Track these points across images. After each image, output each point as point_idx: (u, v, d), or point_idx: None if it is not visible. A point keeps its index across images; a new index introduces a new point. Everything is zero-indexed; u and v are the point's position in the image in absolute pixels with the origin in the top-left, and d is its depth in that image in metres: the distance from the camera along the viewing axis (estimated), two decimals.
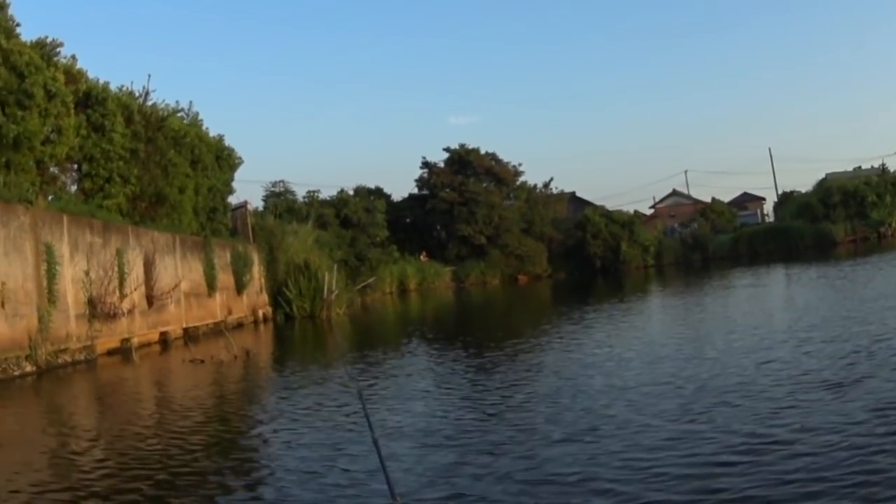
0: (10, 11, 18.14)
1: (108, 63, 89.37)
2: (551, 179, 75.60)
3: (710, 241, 72.49)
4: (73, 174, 22.14)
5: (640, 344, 16.22)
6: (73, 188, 22.00)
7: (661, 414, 9.46)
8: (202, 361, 18.70)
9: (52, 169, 20.17)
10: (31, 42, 19.28)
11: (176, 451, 9.42)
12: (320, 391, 13.56)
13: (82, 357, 18.70)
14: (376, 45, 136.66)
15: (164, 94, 25.08)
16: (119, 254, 21.04)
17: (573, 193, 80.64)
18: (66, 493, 7.70)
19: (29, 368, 16.54)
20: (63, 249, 18.64)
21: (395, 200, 66.63)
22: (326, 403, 12.11)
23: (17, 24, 18.40)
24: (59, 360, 17.76)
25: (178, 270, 24.96)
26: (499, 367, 14.87)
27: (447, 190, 65.06)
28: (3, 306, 16.22)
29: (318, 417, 11.07)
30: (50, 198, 19.56)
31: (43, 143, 19.07)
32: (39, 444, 10.50)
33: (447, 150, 67.91)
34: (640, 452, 7.82)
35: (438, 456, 8.38)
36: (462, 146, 67.23)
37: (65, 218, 18.92)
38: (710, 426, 8.64)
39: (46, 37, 19.82)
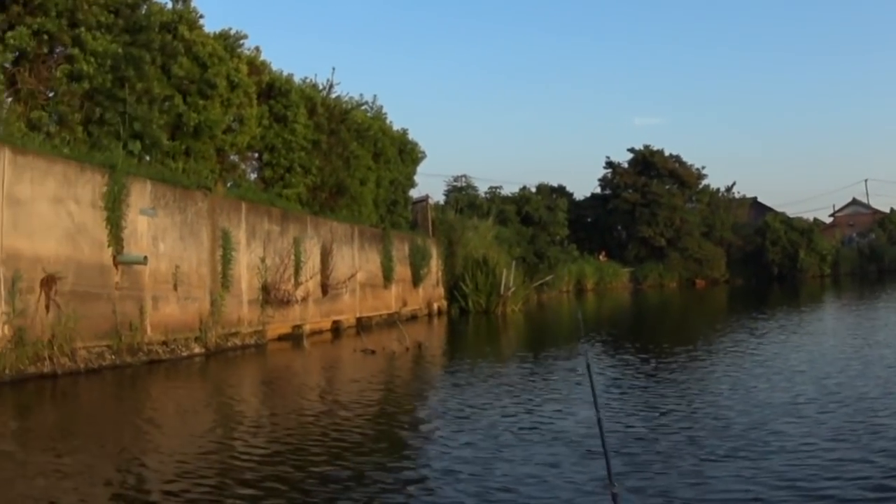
0: (193, 3, 18.02)
1: (293, 56, 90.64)
2: (734, 184, 73.00)
3: (886, 253, 68.73)
4: (254, 163, 21.97)
5: (813, 357, 15.24)
6: (253, 177, 21.81)
7: (829, 433, 8.71)
8: (373, 352, 18.23)
9: (232, 157, 20.01)
10: (215, 34, 19.15)
11: (335, 441, 9.16)
12: (488, 388, 13.04)
13: (252, 341, 18.43)
14: (564, 42, 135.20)
15: (349, 88, 25.16)
16: (296, 242, 20.78)
17: (755, 199, 77.84)
18: (217, 478, 7.50)
19: (198, 350, 16.36)
20: (240, 236, 18.46)
21: (577, 199, 65.46)
22: (493, 402, 11.61)
23: (201, 16, 18.30)
24: (229, 344, 17.52)
25: (356, 261, 24.59)
26: (669, 374, 14.23)
27: (630, 191, 63.68)
28: (175, 289, 16.10)
29: (483, 416, 10.55)
30: (229, 185, 19.39)
31: (224, 132, 18.92)
32: (200, 424, 10.47)
33: (631, 150, 66.57)
34: (805, 472, 7.22)
35: (599, 465, 7.57)
36: (646, 147, 65.69)
37: (243, 205, 18.75)
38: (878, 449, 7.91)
39: (230, 29, 19.70)
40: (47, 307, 13.01)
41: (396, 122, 38.42)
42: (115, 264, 14.59)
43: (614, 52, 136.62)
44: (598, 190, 67.70)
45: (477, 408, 11.14)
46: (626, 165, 66.14)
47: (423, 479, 7.55)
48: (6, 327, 12.18)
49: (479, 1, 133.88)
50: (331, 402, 12.09)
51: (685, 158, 67.08)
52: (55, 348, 12.90)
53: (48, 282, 13.07)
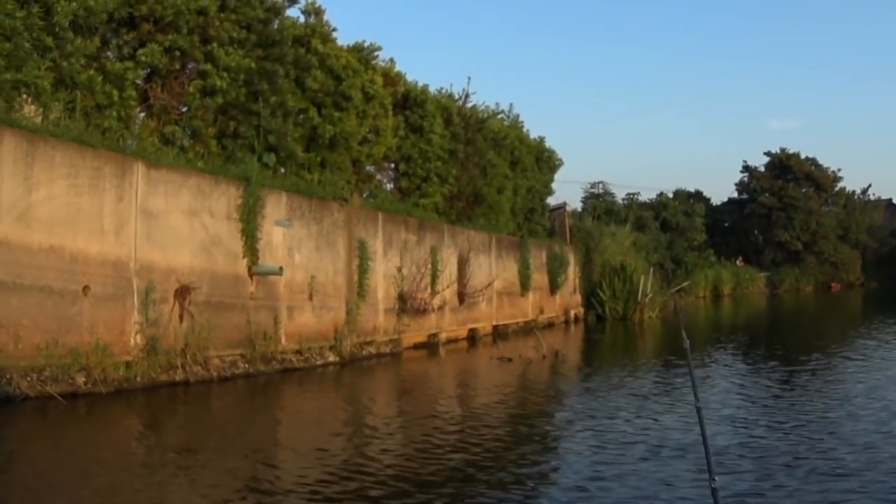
0: (326, 17, 17.48)
1: (427, 66, 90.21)
2: (869, 186, 69.68)
3: None
4: (390, 173, 21.31)
5: None
6: (390, 187, 21.14)
7: None
8: (509, 359, 17.55)
9: (368, 168, 19.37)
10: (349, 46, 18.57)
11: (469, 449, 8.93)
12: (623, 398, 12.56)
13: (388, 350, 17.74)
14: (698, 44, 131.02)
15: (485, 97, 24.45)
16: (433, 251, 19.98)
17: (889, 200, 73.77)
18: (353, 482, 7.44)
19: (332, 358, 15.73)
20: (377, 245, 17.78)
21: (714, 204, 63.26)
22: (627, 412, 11.17)
23: (334, 29, 17.76)
24: (364, 352, 16.88)
25: (493, 269, 23.67)
26: (800, 383, 13.93)
27: (766, 195, 61.20)
28: (310, 299, 15.53)
29: (616, 426, 10.14)
30: (366, 196, 18.77)
31: (360, 144, 18.31)
32: (334, 428, 10.43)
33: (768, 154, 64.07)
34: None
35: (730, 481, 7.27)
36: (782, 150, 63.14)
37: (380, 215, 18.08)
38: None
39: (364, 41, 19.07)
40: (181, 317, 12.65)
41: (533, 129, 37.67)
42: (251, 275, 14.10)
43: (749, 53, 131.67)
44: (735, 194, 65.40)
45: (611, 418, 10.73)
46: (762, 169, 63.64)
47: (553, 493, 7.29)
48: (139, 336, 11.86)
49: (609, 5, 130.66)
50: (465, 409, 11.92)
51: (821, 161, 64.16)
52: (188, 357, 12.53)
53: (182, 292, 12.71)
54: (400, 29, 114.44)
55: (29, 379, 10.19)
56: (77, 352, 10.83)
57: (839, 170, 64.92)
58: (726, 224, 63.65)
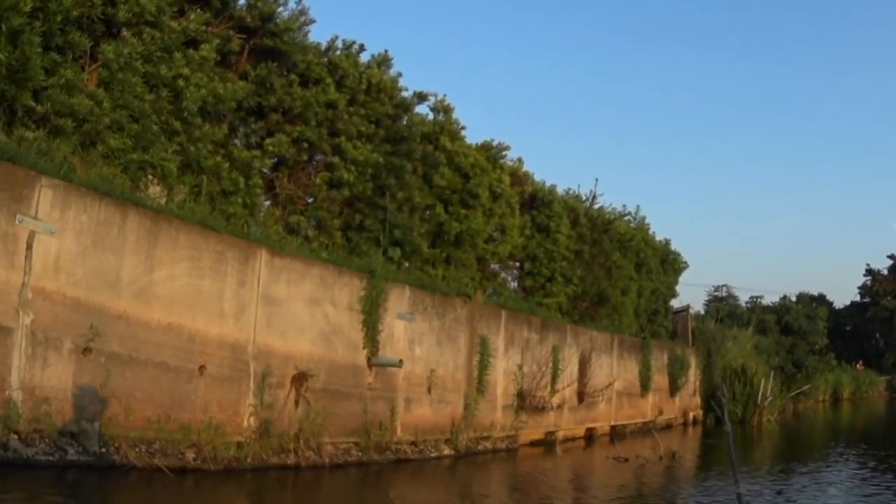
0: (455, 115, 16.84)
1: (555, 167, 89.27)
2: None
3: None
4: (515, 272, 20.37)
5: None
6: (514, 285, 20.18)
7: None
8: (626, 459, 16.38)
9: (493, 266, 18.50)
10: (477, 145, 17.87)
11: None
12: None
13: (504, 446, 16.59)
14: (820, 148, 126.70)
15: (612, 198, 23.64)
16: (555, 350, 18.80)
17: None
18: None
19: (447, 452, 14.68)
20: (498, 343, 16.74)
21: (836, 307, 60.22)
22: None
23: (463, 128, 17.10)
24: (480, 447, 15.77)
25: (614, 369, 22.30)
26: None
27: (889, 298, 58.01)
28: (429, 392, 14.58)
29: None
30: (489, 293, 17.85)
31: (486, 242, 17.53)
32: None
33: (891, 256, 61.05)
34: None
35: None
36: None
37: (503, 313, 17.07)
38: None
39: (492, 140, 18.32)
40: (296, 402, 11.85)
41: (659, 232, 36.36)
42: (370, 366, 13.26)
43: (871, 154, 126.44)
44: (858, 298, 62.43)
45: None
46: (885, 272, 60.55)
47: None
48: (252, 418, 11.11)
49: (724, 113, 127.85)
50: None
51: None
52: (301, 441, 11.69)
53: (299, 378, 11.92)
54: (528, 129, 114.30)
55: (137, 450, 9.56)
56: (188, 428, 10.13)
57: None
58: (848, 328, 60.88)
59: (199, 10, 11.38)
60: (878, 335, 60.91)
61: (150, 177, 10.37)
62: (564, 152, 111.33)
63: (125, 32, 10.30)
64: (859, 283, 62.97)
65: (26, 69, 8.92)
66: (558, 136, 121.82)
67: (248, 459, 10.85)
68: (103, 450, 9.15)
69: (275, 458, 11.26)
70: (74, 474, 8.61)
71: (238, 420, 10.98)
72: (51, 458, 8.59)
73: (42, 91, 9.33)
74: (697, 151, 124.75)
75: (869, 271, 61.57)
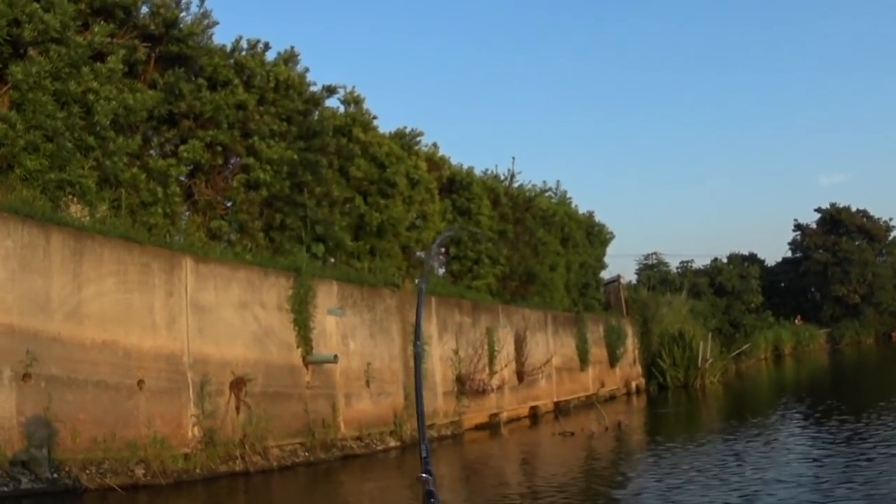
0: (366, 106, 17.40)
1: (471, 149, 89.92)
2: None
3: None
4: (441, 258, 21.01)
5: None
6: (442, 271, 20.84)
7: None
8: (572, 434, 17.21)
9: (418, 253, 19.09)
10: (390, 133, 18.49)
11: None
12: (690, 470, 11.90)
13: (449, 432, 17.31)
14: (736, 108, 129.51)
15: (531, 175, 24.29)
16: (489, 332, 19.58)
17: None
18: None
19: (393, 443, 15.31)
20: (431, 329, 17.41)
21: (768, 265, 62.17)
22: (695, 485, 10.58)
23: (374, 117, 17.72)
24: None
25: (550, 346, 23.19)
26: (861, 439, 13.48)
27: (820, 251, 60.22)
28: (368, 385, 15.19)
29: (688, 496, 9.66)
30: (417, 281, 18.48)
31: (408, 230, 18.11)
32: None
33: (818, 210, 63.22)
34: None
35: None
36: (833, 205, 62.26)
37: (433, 299, 17.74)
38: None
39: (405, 127, 19.00)
40: (237, 408, 12.33)
41: (582, 205, 37.28)
42: (306, 364, 13.80)
43: (794, 109, 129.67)
44: (789, 253, 64.53)
45: (679, 492, 10.12)
46: (814, 226, 62.72)
47: None
48: (196, 428, 11.55)
49: (642, 77, 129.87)
50: (529, 488, 11.53)
51: (872, 212, 63.47)
52: (247, 447, 12.15)
53: (237, 384, 12.39)
54: (440, 114, 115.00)
55: (88, 472, 9.94)
56: (135, 444, 10.54)
57: (891, 219, 64.16)
58: (782, 284, 62.76)
59: (102, 22, 11.72)
60: (812, 289, 62.64)
61: (69, 195, 10.73)
62: (478, 134, 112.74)
63: (32, 52, 10.60)
64: (789, 239, 64.95)
65: None
66: (470, 118, 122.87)
67: (197, 470, 11.26)
68: (55, 475, 9.46)
69: (223, 466, 11.70)
70: (31, 502, 8.92)
71: (182, 432, 11.40)
72: (5, 489, 8.85)
73: None
74: (615, 121, 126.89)
75: (798, 226, 63.42)
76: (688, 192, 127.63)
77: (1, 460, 8.99)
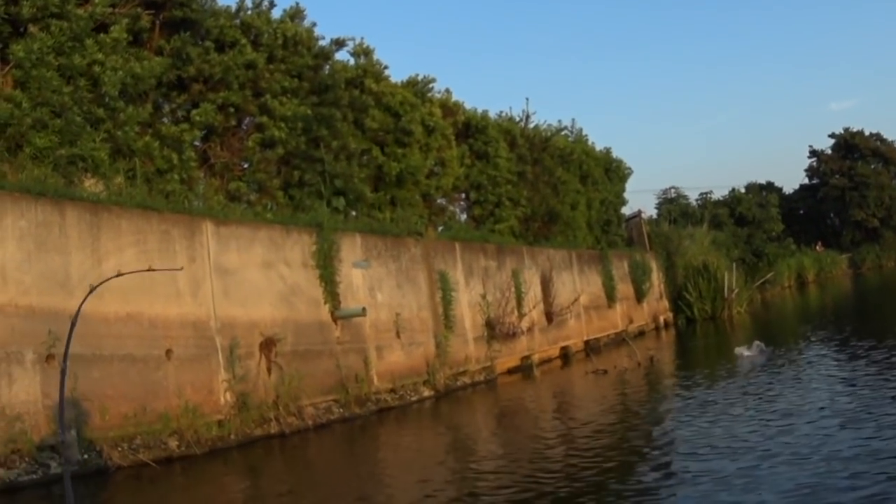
0: (376, 57, 16.91)
1: (484, 94, 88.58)
2: None
3: None
4: (462, 203, 20.57)
5: None
6: (464, 217, 20.38)
7: None
8: (605, 371, 16.86)
9: (439, 200, 18.67)
10: (402, 82, 17.96)
11: (576, 465, 8.42)
12: (725, 401, 11.63)
13: (482, 378, 16.91)
14: (753, 41, 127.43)
15: (546, 115, 23.74)
16: (515, 274, 19.16)
17: None
18: None
19: (427, 393, 14.97)
20: (458, 276, 17.02)
21: (786, 193, 61.26)
22: (730, 416, 10.33)
23: (386, 67, 17.18)
24: (458, 383, 16.09)
25: (577, 285, 22.75)
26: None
27: (837, 176, 59.11)
28: (398, 336, 14.83)
29: (721, 434, 9.23)
30: (440, 228, 18.07)
31: (427, 177, 17.65)
32: (438, 463, 9.92)
33: (832, 135, 61.96)
34: None
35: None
36: (846, 130, 60.95)
37: (457, 245, 17.33)
38: None
39: (417, 75, 18.46)
40: (269, 369, 11.99)
41: (599, 142, 36.56)
42: (334, 320, 13.43)
43: (804, 37, 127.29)
44: (806, 180, 63.48)
45: (713, 425, 9.85)
46: (829, 152, 61.57)
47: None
48: (228, 394, 11.21)
49: (654, 10, 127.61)
50: (567, 428, 11.29)
51: (885, 135, 62.19)
52: (281, 409, 11.83)
53: (267, 345, 12.05)
54: (449, 59, 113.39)
55: (120, 449, 9.61)
56: (167, 416, 10.22)
57: None
58: (801, 211, 61.87)
59: None
60: (832, 214, 61.71)
61: (82, 170, 10.31)
62: (489, 78, 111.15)
63: (32, 28, 10.15)
64: (805, 166, 63.86)
65: None
66: (479, 63, 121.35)
67: (232, 436, 10.93)
68: (86, 456, 9.12)
69: (258, 430, 11.37)
70: (61, 488, 8.56)
71: (214, 398, 11.07)
72: (34, 476, 8.52)
73: None
74: (626, 58, 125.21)
75: (813, 153, 62.25)
76: (703, 124, 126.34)
77: (28, 447, 8.65)
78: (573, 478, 7.85)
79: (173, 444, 10.24)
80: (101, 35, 11.03)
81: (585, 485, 7.56)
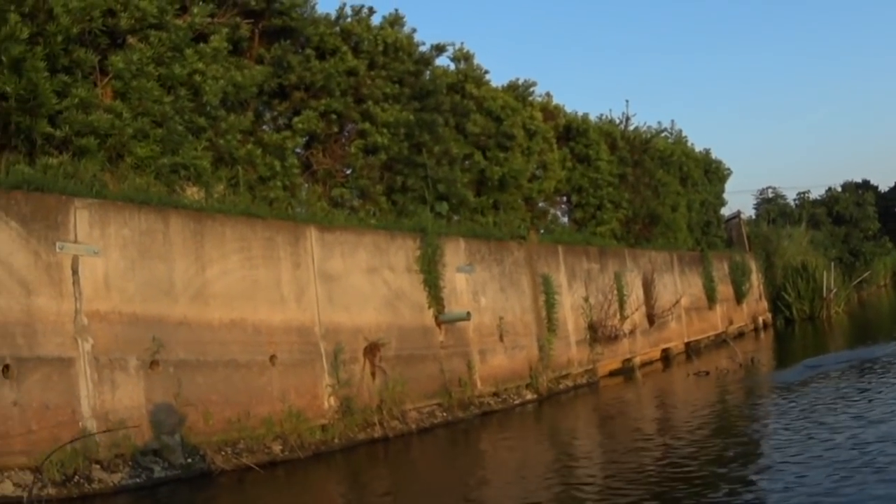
0: (476, 62, 16.14)
1: (583, 97, 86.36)
2: None
3: None
4: (563, 206, 19.69)
5: None
6: (565, 220, 19.49)
7: None
8: (706, 373, 15.93)
9: (540, 204, 17.85)
10: (503, 86, 17.15)
11: (677, 466, 8.02)
12: (828, 401, 10.94)
13: (584, 381, 16.04)
14: (842, 32, 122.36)
15: (645, 117, 22.74)
16: (617, 277, 18.15)
17: None
18: None
19: (529, 396, 14.15)
20: (561, 279, 16.13)
21: (881, 191, 58.24)
22: (834, 417, 9.63)
23: (486, 72, 16.37)
24: (561, 386, 15.23)
25: (678, 286, 21.59)
26: None
27: None
28: (501, 340, 14.04)
29: (826, 436, 8.54)
30: (542, 232, 17.23)
31: (529, 181, 16.88)
32: (541, 465, 9.38)
33: None
34: None
35: None
36: None
37: (560, 248, 16.43)
38: None
39: (518, 79, 17.58)
40: (373, 374, 11.37)
41: (698, 142, 35.14)
42: (438, 324, 12.73)
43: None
44: None
45: (818, 426, 9.20)
46: None
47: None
48: (332, 398, 10.61)
49: (752, 10, 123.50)
50: (671, 429, 10.81)
51: None
52: (384, 413, 11.21)
53: (371, 349, 11.42)
54: (549, 62, 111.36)
55: (223, 453, 9.13)
56: (270, 421, 9.67)
57: None
58: None
59: (201, 3, 10.73)
60: None
61: (184, 178, 9.82)
62: (589, 80, 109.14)
63: (131, 40, 9.70)
64: None
65: (36, 96, 8.37)
66: (579, 64, 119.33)
67: (335, 440, 10.39)
68: (189, 460, 8.70)
69: (361, 434, 10.80)
70: (165, 491, 8.20)
71: (318, 403, 10.51)
72: (137, 480, 8.18)
73: (57, 115, 8.80)
74: (721, 57, 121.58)
75: None
76: (797, 122, 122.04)
77: (131, 452, 8.24)
78: (668, 482, 7.40)
79: (277, 448, 9.72)
80: (201, 45, 10.51)
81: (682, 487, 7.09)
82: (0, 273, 7.49)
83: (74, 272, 8.07)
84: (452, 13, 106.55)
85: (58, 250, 7.95)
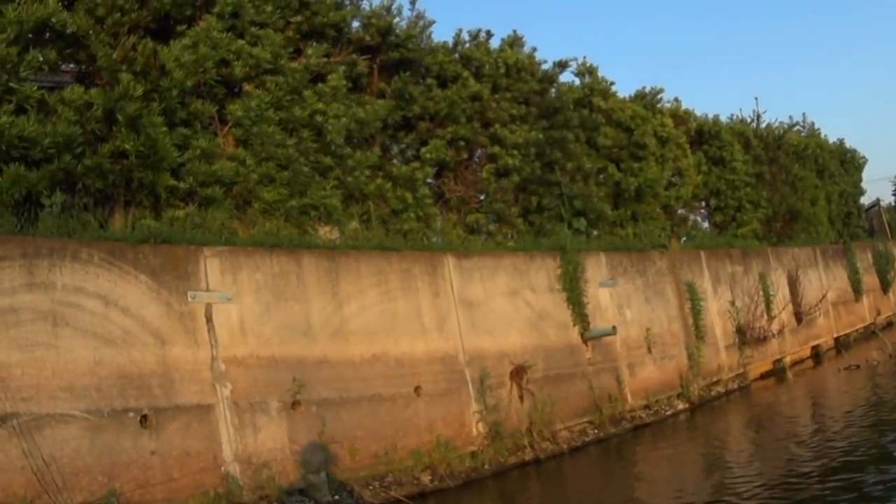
0: (601, 73, 14.83)
1: (711, 96, 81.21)
2: None
3: None
4: (702, 211, 17.99)
5: None
6: (705, 224, 17.79)
7: None
8: (857, 367, 14.72)
9: (679, 211, 16.32)
10: (631, 97, 15.73)
11: (832, 467, 7.57)
12: None
13: (735, 385, 14.48)
14: None
15: (775, 112, 20.77)
16: (762, 277, 16.46)
17: None
18: None
19: (681, 406, 12.76)
20: (705, 284, 14.66)
21: None
22: None
23: (612, 84, 15.02)
24: (712, 393, 13.78)
25: (823, 281, 19.52)
26: None
27: None
28: (649, 351, 12.74)
29: None
30: (683, 239, 15.70)
31: (666, 188, 15.43)
32: (696, 475, 8.94)
33: None
34: None
35: None
36: None
37: (702, 254, 14.98)
38: None
39: (645, 87, 16.11)
40: (521, 397, 10.31)
41: (830, 133, 32.33)
42: (584, 341, 11.57)
43: None
44: None
45: None
46: None
47: None
48: (480, 425, 9.62)
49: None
50: (827, 429, 10.01)
51: None
52: (534, 435, 10.15)
53: (518, 372, 10.37)
54: (674, 67, 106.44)
55: (371, 487, 8.27)
56: (418, 452, 8.78)
57: None
58: None
59: (315, 44, 9.90)
60: None
61: (315, 218, 9.02)
62: (714, 80, 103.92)
63: (247, 87, 9.00)
64: None
65: (156, 151, 7.75)
66: (703, 66, 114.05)
67: (486, 466, 9.43)
68: (336, 497, 7.90)
69: (512, 458, 9.80)
70: None
71: (466, 430, 9.53)
72: None
73: (180, 167, 8.18)
74: (841, 39, 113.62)
75: None
76: None
77: (276, 493, 7.45)
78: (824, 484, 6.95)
79: (426, 478, 8.81)
80: (319, 85, 9.67)
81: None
82: (132, 326, 6.87)
83: (209, 320, 7.38)
84: (573, 29, 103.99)
85: (190, 299, 7.27)
